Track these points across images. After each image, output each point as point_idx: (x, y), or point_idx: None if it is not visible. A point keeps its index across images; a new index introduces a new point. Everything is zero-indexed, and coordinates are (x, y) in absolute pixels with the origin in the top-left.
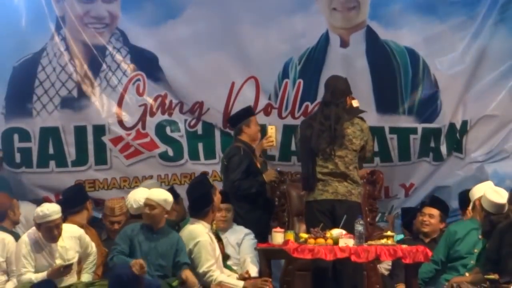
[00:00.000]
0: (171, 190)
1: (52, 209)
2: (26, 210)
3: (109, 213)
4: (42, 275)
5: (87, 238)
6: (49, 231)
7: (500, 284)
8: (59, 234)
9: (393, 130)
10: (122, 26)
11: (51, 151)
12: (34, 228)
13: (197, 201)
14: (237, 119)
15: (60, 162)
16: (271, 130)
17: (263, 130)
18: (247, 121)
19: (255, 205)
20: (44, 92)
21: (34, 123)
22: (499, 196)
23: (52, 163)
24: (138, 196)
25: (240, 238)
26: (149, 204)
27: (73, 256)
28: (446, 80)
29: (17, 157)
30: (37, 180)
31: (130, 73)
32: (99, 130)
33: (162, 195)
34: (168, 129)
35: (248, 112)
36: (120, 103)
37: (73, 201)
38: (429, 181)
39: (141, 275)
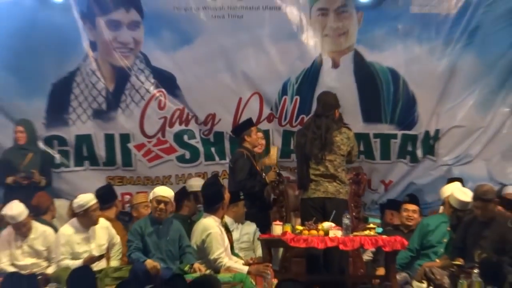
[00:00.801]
0: (183, 189)
1: (88, 197)
2: (59, 205)
3: (143, 200)
4: (79, 262)
5: (113, 230)
6: (90, 217)
7: (465, 268)
8: (98, 217)
9: (376, 135)
10: (145, 50)
11: (85, 154)
12: (72, 220)
13: (210, 198)
14: (240, 130)
15: (93, 163)
16: (273, 151)
17: (265, 136)
18: (248, 131)
19: (253, 203)
20: (79, 105)
21: (70, 131)
22: (465, 195)
23: (86, 163)
24: None
25: (254, 229)
26: (165, 201)
27: (104, 243)
28: (422, 95)
29: (57, 159)
30: (74, 177)
31: (152, 90)
32: (125, 138)
33: (171, 192)
34: (185, 137)
35: (248, 124)
36: (142, 116)
37: (104, 198)
38: (406, 180)
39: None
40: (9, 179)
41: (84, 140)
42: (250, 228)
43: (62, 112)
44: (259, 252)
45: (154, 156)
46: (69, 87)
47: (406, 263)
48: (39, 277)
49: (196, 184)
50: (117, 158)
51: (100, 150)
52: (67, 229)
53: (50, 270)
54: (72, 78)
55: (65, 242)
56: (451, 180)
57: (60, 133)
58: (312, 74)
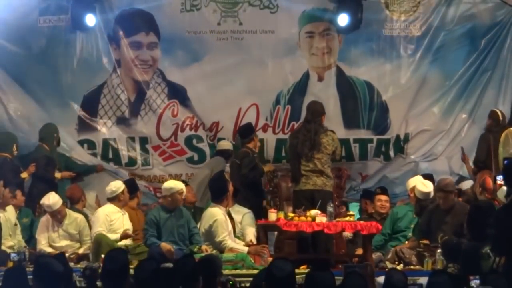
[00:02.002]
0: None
1: (118, 184)
2: (88, 197)
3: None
4: (116, 236)
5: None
6: (122, 199)
7: (430, 247)
8: (127, 198)
9: (355, 140)
10: (161, 67)
11: (110, 155)
12: (107, 203)
13: (216, 191)
14: (249, 132)
15: (117, 162)
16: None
17: (261, 144)
18: (255, 133)
19: (254, 192)
20: (105, 113)
21: (98, 135)
22: (425, 187)
23: (111, 163)
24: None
25: (241, 216)
26: (183, 192)
27: (129, 222)
28: (393, 104)
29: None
30: (102, 174)
31: (167, 100)
32: (144, 140)
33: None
34: (194, 141)
35: (252, 128)
36: (158, 122)
37: (128, 190)
38: (380, 173)
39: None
40: (58, 175)
41: (109, 143)
42: (237, 217)
43: (91, 120)
44: (248, 237)
45: (168, 156)
46: (97, 98)
47: (381, 245)
48: (72, 255)
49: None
50: (137, 158)
51: (123, 151)
52: (106, 208)
53: (81, 250)
54: (100, 90)
55: (104, 218)
56: (423, 176)
57: (90, 137)
58: (301, 86)
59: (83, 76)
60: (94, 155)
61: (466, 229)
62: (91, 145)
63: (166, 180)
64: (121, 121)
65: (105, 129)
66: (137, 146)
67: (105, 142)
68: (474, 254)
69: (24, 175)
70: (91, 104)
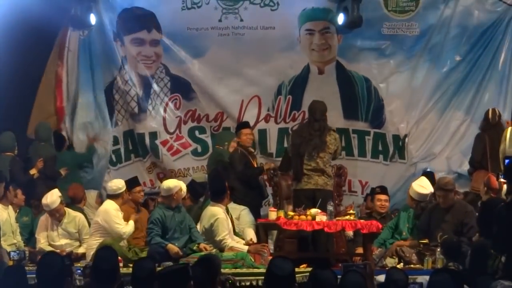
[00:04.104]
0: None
1: (120, 183)
2: (88, 196)
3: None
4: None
5: None
6: (123, 198)
7: (430, 246)
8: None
9: (354, 131)
10: (164, 62)
11: (130, 147)
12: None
13: (216, 190)
14: (237, 127)
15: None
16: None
17: (264, 135)
18: (239, 133)
19: (250, 190)
20: (121, 107)
21: (119, 130)
22: (422, 188)
23: (132, 155)
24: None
25: (238, 214)
26: (182, 190)
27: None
28: (391, 103)
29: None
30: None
31: (170, 94)
32: (153, 135)
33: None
34: (197, 132)
35: (237, 127)
36: (164, 116)
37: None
38: (383, 183)
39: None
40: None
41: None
42: (233, 214)
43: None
44: (248, 236)
45: (175, 150)
46: (111, 94)
47: (388, 238)
48: (72, 254)
49: (197, 176)
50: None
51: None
52: (112, 203)
53: (81, 250)
54: (112, 87)
55: (116, 213)
56: (424, 174)
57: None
58: (301, 78)
59: (95, 73)
60: (118, 150)
61: (477, 227)
62: (115, 140)
63: (174, 176)
64: (131, 117)
65: (123, 124)
66: (147, 142)
67: (125, 135)
68: (483, 253)
69: (33, 171)
70: (108, 100)
